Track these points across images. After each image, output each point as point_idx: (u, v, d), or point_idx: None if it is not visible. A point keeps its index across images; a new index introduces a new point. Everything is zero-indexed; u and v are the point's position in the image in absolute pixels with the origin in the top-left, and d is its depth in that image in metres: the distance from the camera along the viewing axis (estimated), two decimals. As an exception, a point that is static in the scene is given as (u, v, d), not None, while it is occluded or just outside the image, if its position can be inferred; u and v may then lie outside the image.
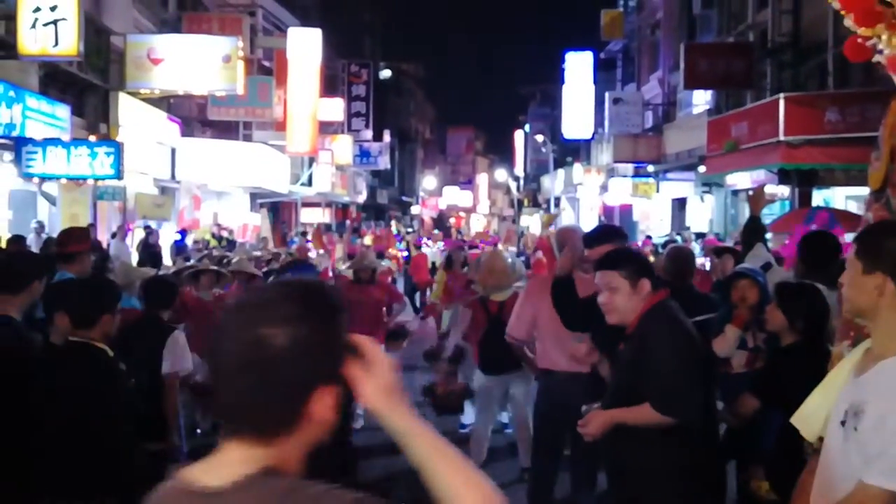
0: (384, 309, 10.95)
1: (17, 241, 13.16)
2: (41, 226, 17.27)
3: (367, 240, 29.78)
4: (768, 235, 20.19)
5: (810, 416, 3.07)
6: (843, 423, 2.69)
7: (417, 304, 22.96)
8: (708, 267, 12.94)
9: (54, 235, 14.04)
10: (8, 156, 16.71)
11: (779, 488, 4.51)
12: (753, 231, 6.61)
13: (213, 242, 23.41)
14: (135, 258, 19.23)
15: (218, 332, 1.79)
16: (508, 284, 9.10)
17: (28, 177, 17.27)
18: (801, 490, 3.11)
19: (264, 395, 1.73)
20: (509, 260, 9.80)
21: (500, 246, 21.28)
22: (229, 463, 1.75)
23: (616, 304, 4.33)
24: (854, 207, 18.24)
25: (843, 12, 4.74)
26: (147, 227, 22.03)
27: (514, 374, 8.43)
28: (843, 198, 21.01)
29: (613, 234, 5.90)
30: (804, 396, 3.22)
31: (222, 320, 1.81)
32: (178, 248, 21.36)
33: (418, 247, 28.05)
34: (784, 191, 22.75)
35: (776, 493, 4.59)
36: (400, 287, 22.29)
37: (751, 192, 6.38)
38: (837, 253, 6.06)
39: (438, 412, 8.99)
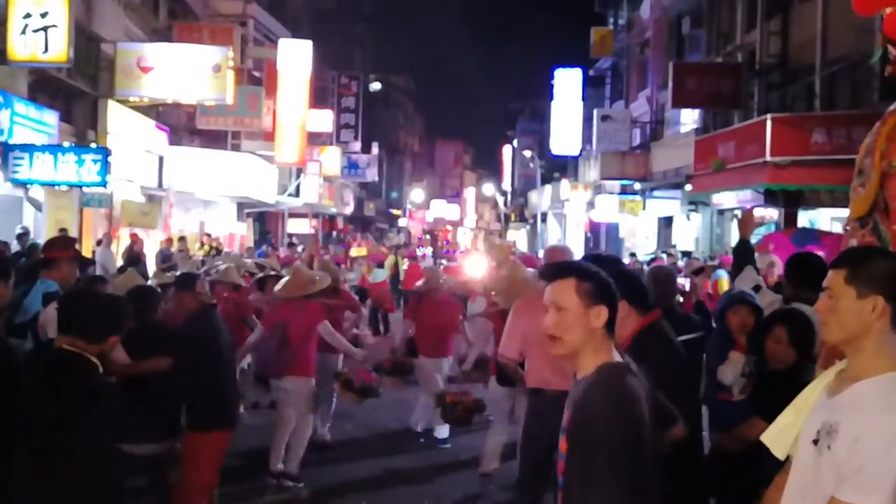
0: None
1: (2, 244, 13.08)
2: (26, 231, 17.16)
3: (355, 251, 29.74)
4: (755, 255, 20.21)
5: (780, 434, 3.10)
6: (815, 441, 2.74)
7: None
8: (688, 287, 12.97)
9: (40, 241, 14.04)
10: (-5, 161, 16.66)
11: None
12: (743, 254, 6.64)
13: (202, 251, 23.33)
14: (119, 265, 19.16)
15: None
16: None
17: (15, 183, 17.21)
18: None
19: None
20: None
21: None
22: None
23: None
24: (839, 228, 18.34)
25: None
26: (133, 235, 21.96)
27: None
28: (828, 219, 21.11)
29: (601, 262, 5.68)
30: None
31: None
32: (164, 257, 21.28)
33: (413, 258, 27.97)
34: (772, 214, 22.87)
35: None
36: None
37: (739, 216, 6.40)
38: (825, 273, 6.07)
39: (450, 423, 9.07)
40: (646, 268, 21.00)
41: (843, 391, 2.79)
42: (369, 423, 11.26)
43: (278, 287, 9.23)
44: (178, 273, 10.02)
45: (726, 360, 5.84)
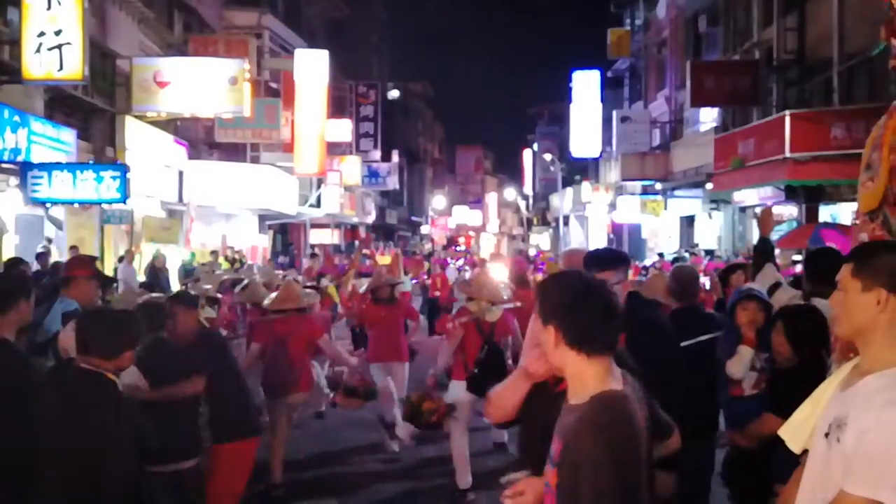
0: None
1: (16, 263, 13.10)
2: (46, 250, 17.23)
3: (382, 259, 29.52)
4: (776, 252, 20.11)
5: (798, 428, 3.15)
6: (826, 434, 2.79)
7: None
8: (708, 286, 12.85)
9: (62, 260, 14.11)
10: (14, 181, 16.73)
11: None
12: (763, 252, 6.63)
13: (226, 265, 23.39)
14: (141, 281, 19.25)
15: None
16: (500, 301, 9.09)
17: (35, 202, 17.30)
18: (787, 498, 3.20)
19: None
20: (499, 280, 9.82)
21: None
22: None
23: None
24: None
25: None
26: (155, 252, 22.07)
27: None
28: (849, 213, 20.93)
29: (618, 259, 5.23)
30: None
31: None
32: (187, 272, 21.37)
33: (443, 267, 27.84)
34: (792, 211, 22.73)
35: None
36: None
37: (758, 214, 6.37)
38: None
39: (419, 427, 8.98)
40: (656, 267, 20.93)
41: (854, 385, 2.83)
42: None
43: (268, 302, 9.21)
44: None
45: (735, 355, 5.84)
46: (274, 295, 9.25)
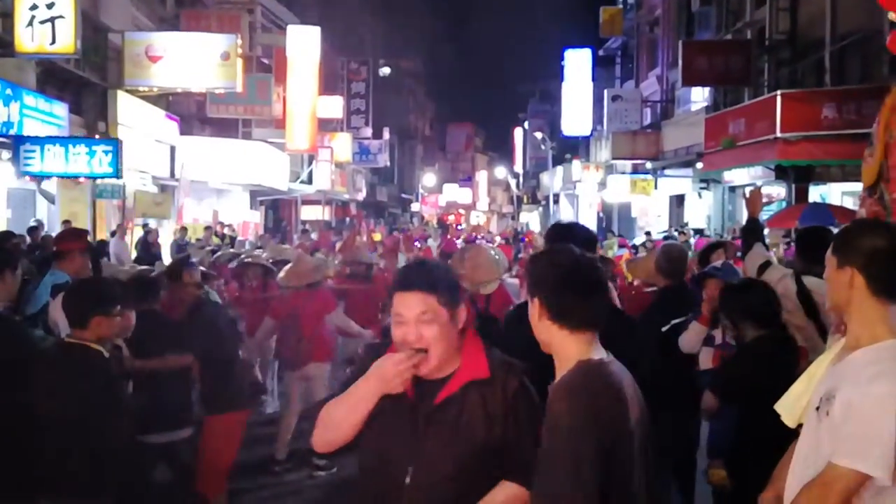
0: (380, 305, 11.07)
1: (7, 237, 13.11)
2: (39, 224, 17.25)
3: (378, 236, 29.46)
4: (765, 231, 20.20)
5: (793, 403, 3.23)
6: (817, 408, 2.88)
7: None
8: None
9: (53, 234, 14.12)
10: (6, 154, 16.72)
11: (737, 477, 4.74)
12: (752, 231, 6.63)
13: (216, 240, 23.41)
14: (134, 256, 19.28)
15: None
16: (495, 278, 9.11)
17: (26, 175, 17.30)
18: (780, 470, 3.27)
19: None
20: (492, 252, 9.82)
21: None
22: None
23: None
24: (850, 203, 18.29)
25: None
26: (146, 226, 22.07)
27: None
28: (839, 193, 21.07)
29: (572, 234, 4.62)
30: (762, 390, 3.48)
31: None
32: (180, 247, 21.39)
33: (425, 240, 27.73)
34: (780, 192, 22.81)
35: (734, 481, 4.80)
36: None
37: (747, 194, 6.46)
38: (831, 246, 6.13)
39: None
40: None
41: (843, 360, 2.93)
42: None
43: (281, 276, 9.26)
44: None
45: (687, 329, 6.02)
46: (287, 269, 9.28)
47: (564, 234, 4.64)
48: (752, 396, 4.66)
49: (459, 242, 25.13)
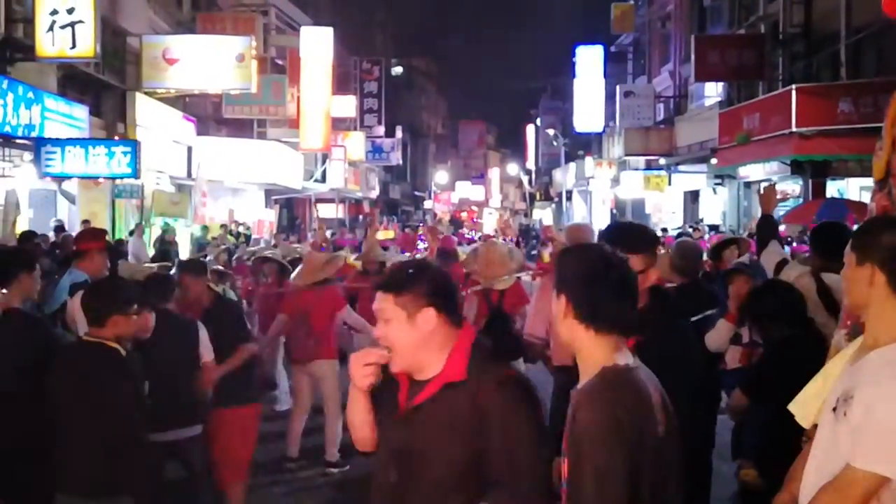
0: None
1: (29, 237, 13.31)
2: (60, 224, 17.46)
3: (382, 234, 29.58)
4: (782, 227, 20.17)
5: (807, 403, 3.19)
6: (834, 409, 2.80)
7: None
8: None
9: (73, 233, 14.29)
10: (28, 156, 16.91)
11: (767, 477, 4.65)
12: (767, 228, 6.59)
13: (231, 239, 23.56)
14: (151, 255, 19.47)
15: None
16: (508, 273, 9.14)
17: (47, 176, 17.49)
18: (795, 472, 3.23)
19: None
20: (506, 248, 9.81)
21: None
22: None
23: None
24: (868, 198, 18.25)
25: None
26: (164, 225, 22.26)
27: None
28: (857, 188, 20.93)
29: (643, 239, 4.19)
30: (794, 389, 3.35)
31: None
32: (200, 246, 21.58)
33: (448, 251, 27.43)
34: (794, 189, 22.75)
35: (765, 481, 4.72)
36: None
37: (761, 191, 6.40)
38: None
39: None
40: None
41: (861, 359, 2.85)
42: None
43: (294, 275, 9.35)
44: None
45: (714, 328, 5.93)
46: (300, 269, 9.37)
47: (623, 235, 4.16)
48: (784, 396, 4.66)
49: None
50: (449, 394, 2.91)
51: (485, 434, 2.84)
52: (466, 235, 36.90)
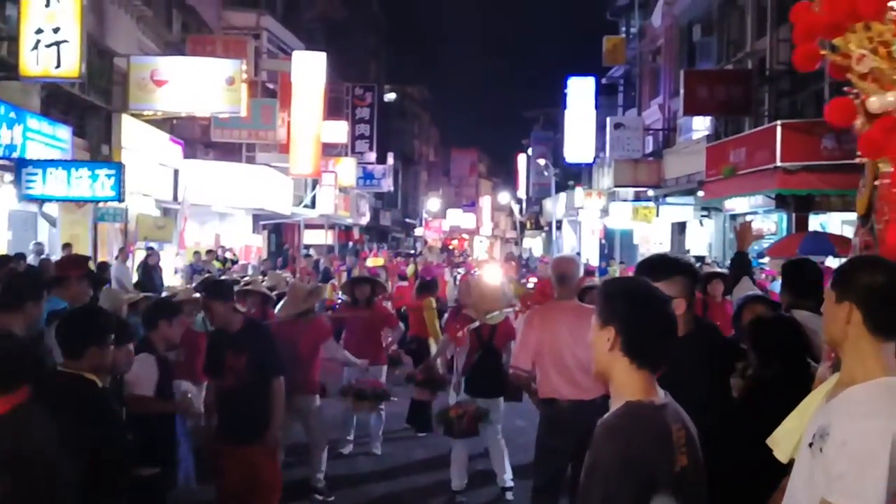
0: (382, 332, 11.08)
1: (6, 261, 13.09)
2: (40, 247, 17.28)
3: (371, 261, 29.48)
4: (765, 260, 20.14)
5: (785, 438, 3.24)
6: (810, 444, 2.85)
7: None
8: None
9: (54, 257, 14.14)
10: (8, 177, 16.83)
11: None
12: (741, 265, 6.71)
13: (217, 265, 23.44)
14: (134, 280, 19.33)
15: None
16: (500, 308, 9.17)
17: (28, 199, 17.35)
18: None
19: None
20: (499, 283, 9.85)
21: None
22: None
23: None
24: (850, 232, 18.31)
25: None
26: (149, 249, 22.07)
27: (492, 399, 8.75)
28: (839, 223, 21.14)
29: (674, 268, 4.70)
30: (771, 428, 3.38)
31: None
32: (194, 270, 21.41)
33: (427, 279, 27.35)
34: (771, 227, 22.91)
35: None
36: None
37: (737, 228, 6.46)
38: (819, 279, 6.11)
39: (454, 436, 8.74)
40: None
41: (837, 395, 2.89)
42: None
43: (279, 308, 9.30)
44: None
45: None
46: (284, 301, 9.29)
47: (666, 269, 4.52)
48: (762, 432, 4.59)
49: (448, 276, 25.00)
50: None
51: None
52: (456, 260, 36.92)
